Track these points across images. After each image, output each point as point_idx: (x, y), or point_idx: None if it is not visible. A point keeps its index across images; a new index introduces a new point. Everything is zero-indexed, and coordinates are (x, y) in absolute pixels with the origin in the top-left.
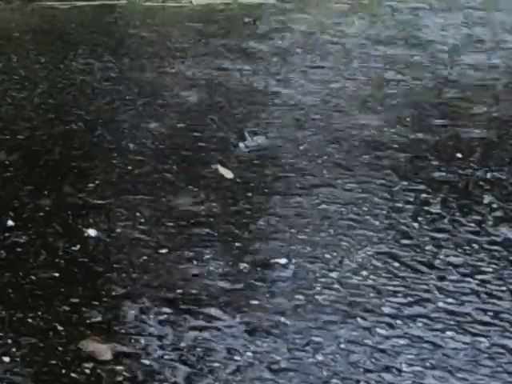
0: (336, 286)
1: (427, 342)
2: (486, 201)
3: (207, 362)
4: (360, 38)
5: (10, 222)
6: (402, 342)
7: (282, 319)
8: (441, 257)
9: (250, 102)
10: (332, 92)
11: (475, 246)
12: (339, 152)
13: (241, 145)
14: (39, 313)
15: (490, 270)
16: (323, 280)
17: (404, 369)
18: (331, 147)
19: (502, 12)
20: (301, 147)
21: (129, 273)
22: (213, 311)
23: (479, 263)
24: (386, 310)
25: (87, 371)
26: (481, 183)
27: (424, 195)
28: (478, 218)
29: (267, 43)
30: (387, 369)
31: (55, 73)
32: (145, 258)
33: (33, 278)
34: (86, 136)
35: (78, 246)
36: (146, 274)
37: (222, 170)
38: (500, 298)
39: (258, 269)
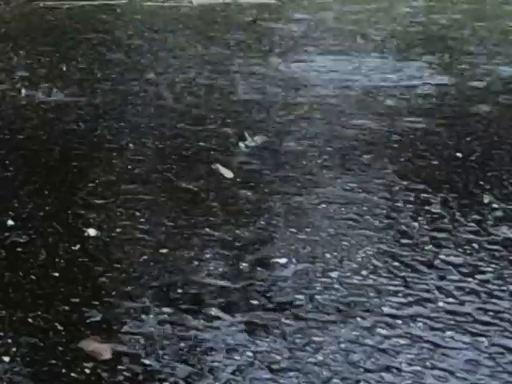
0: (336, 285)
1: (427, 341)
2: (486, 201)
3: (207, 362)
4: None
5: (10, 222)
6: (402, 341)
7: (282, 319)
8: (441, 257)
9: (251, 102)
10: (332, 93)
11: (475, 245)
12: (339, 152)
13: (241, 145)
14: (39, 312)
15: (490, 269)
16: (323, 280)
17: (404, 369)
18: (331, 147)
19: None
20: (301, 147)
21: (129, 273)
22: (213, 311)
23: (479, 263)
24: (386, 309)
25: (87, 371)
26: (481, 183)
27: (424, 195)
28: (478, 217)
29: (267, 43)
30: (387, 369)
31: (55, 73)
32: (145, 257)
33: (33, 277)
34: (86, 136)
35: (78, 246)
36: (145, 274)
37: (222, 170)
38: (500, 298)
39: (258, 269)
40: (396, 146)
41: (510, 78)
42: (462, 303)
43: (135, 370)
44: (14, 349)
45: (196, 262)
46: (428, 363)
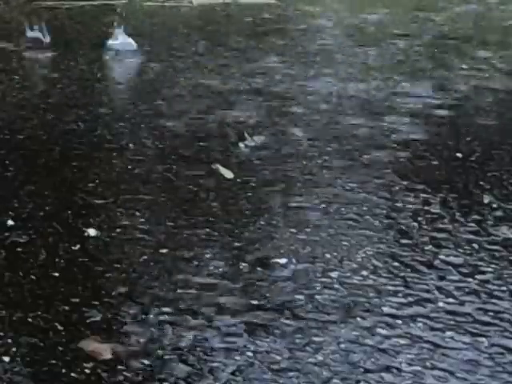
0: (336, 285)
1: (427, 341)
2: (486, 201)
3: (207, 362)
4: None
5: (10, 222)
6: (402, 341)
7: (282, 319)
8: (441, 257)
9: (251, 102)
10: (332, 93)
11: (475, 245)
12: (339, 152)
13: (241, 145)
14: (39, 312)
15: (490, 269)
16: (323, 280)
17: (404, 369)
18: (331, 147)
19: None
20: (301, 147)
21: (129, 273)
22: (213, 311)
23: (479, 263)
24: (386, 309)
25: (87, 371)
26: (481, 183)
27: (424, 195)
28: (478, 217)
29: (267, 43)
30: (387, 369)
31: (55, 73)
32: (145, 257)
33: (33, 277)
34: (85, 136)
35: (78, 246)
36: (145, 274)
37: (222, 170)
38: (500, 298)
39: (258, 269)
40: (396, 146)
41: None
42: (461, 303)
43: (135, 370)
44: (14, 349)
45: (196, 262)
46: (428, 363)
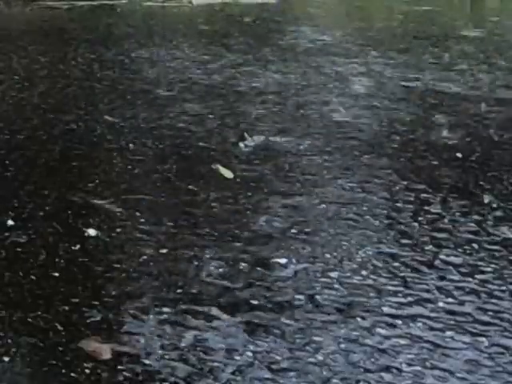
0: (336, 285)
1: (427, 341)
2: (486, 201)
3: (207, 362)
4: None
5: (10, 222)
6: (402, 341)
7: (282, 319)
8: (441, 257)
9: (250, 102)
10: (332, 91)
11: (475, 245)
12: (339, 152)
13: (241, 145)
14: (39, 312)
15: (490, 269)
16: (323, 280)
17: (404, 369)
18: (331, 147)
19: None
20: (301, 147)
21: (129, 273)
22: (213, 311)
23: (479, 263)
24: (386, 310)
25: (87, 371)
26: (481, 183)
27: (424, 195)
28: (478, 218)
29: (268, 42)
30: (387, 369)
31: (55, 73)
32: (145, 257)
33: (33, 277)
34: (86, 136)
35: (78, 246)
36: (145, 274)
37: (222, 170)
38: (500, 298)
39: (258, 269)
40: (396, 146)
41: None
42: (461, 303)
43: (135, 369)
44: (13, 349)
45: (196, 262)
46: (428, 363)
